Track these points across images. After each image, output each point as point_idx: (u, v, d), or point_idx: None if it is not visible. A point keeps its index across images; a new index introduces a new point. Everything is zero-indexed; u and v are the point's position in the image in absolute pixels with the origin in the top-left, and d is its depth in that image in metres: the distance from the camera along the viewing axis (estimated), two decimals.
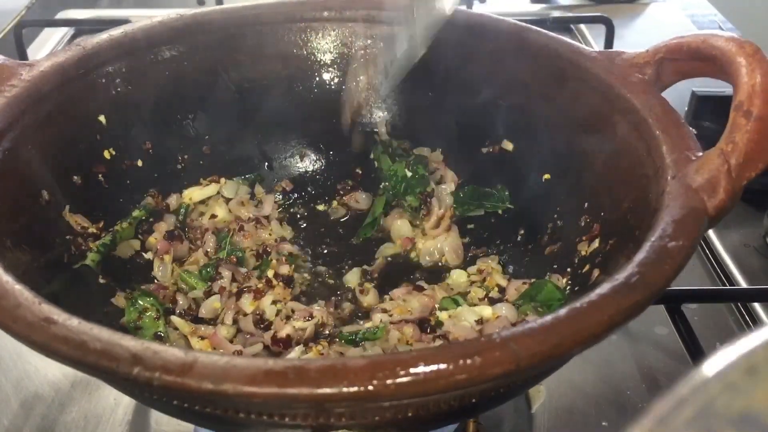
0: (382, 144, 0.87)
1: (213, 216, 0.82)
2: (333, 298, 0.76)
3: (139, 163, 0.80)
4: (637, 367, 0.76)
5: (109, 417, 0.70)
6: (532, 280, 0.72)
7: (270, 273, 0.76)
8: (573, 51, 0.73)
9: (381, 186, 0.87)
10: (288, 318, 0.71)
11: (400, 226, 0.84)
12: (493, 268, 0.78)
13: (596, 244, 0.67)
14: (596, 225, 0.68)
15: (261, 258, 0.79)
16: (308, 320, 0.70)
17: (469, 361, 0.41)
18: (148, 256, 0.78)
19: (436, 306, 0.73)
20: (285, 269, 0.77)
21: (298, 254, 0.81)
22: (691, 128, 0.61)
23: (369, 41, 0.86)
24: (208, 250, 0.78)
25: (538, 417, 0.70)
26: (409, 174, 0.85)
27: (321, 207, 0.89)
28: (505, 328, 0.58)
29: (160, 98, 0.80)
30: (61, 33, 1.40)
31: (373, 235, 0.85)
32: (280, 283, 0.75)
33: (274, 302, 0.73)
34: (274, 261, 0.78)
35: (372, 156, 0.89)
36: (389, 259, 0.82)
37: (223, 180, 0.85)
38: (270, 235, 0.83)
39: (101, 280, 0.71)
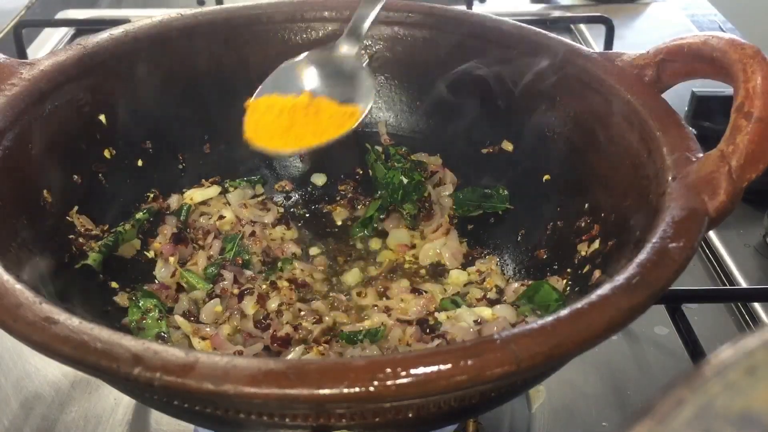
0: (375, 152, 0.87)
1: (221, 217, 0.82)
2: (332, 297, 0.76)
3: (139, 162, 0.80)
4: (637, 367, 0.76)
5: (109, 417, 0.70)
6: (530, 282, 0.72)
7: (280, 280, 0.76)
8: (573, 52, 0.74)
9: (378, 193, 0.87)
10: (296, 319, 0.71)
11: (399, 235, 0.84)
12: (492, 269, 0.78)
13: (596, 244, 0.67)
14: (596, 226, 0.68)
15: (268, 263, 0.79)
16: (317, 323, 0.70)
17: (469, 362, 0.41)
18: (150, 254, 0.78)
19: (435, 306, 0.73)
20: (297, 273, 0.77)
21: (306, 250, 0.82)
22: (691, 129, 0.61)
23: (369, 41, 0.86)
24: (212, 253, 0.78)
25: (538, 417, 0.70)
26: (405, 181, 0.84)
27: (322, 207, 0.89)
28: (505, 329, 0.58)
29: (161, 97, 0.80)
30: (61, 33, 1.40)
31: (373, 235, 0.85)
32: (287, 285, 0.75)
33: (281, 304, 0.73)
34: (287, 268, 0.78)
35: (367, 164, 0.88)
36: (388, 260, 0.82)
37: (229, 187, 0.85)
38: (272, 234, 0.83)
39: (102, 280, 0.71)
